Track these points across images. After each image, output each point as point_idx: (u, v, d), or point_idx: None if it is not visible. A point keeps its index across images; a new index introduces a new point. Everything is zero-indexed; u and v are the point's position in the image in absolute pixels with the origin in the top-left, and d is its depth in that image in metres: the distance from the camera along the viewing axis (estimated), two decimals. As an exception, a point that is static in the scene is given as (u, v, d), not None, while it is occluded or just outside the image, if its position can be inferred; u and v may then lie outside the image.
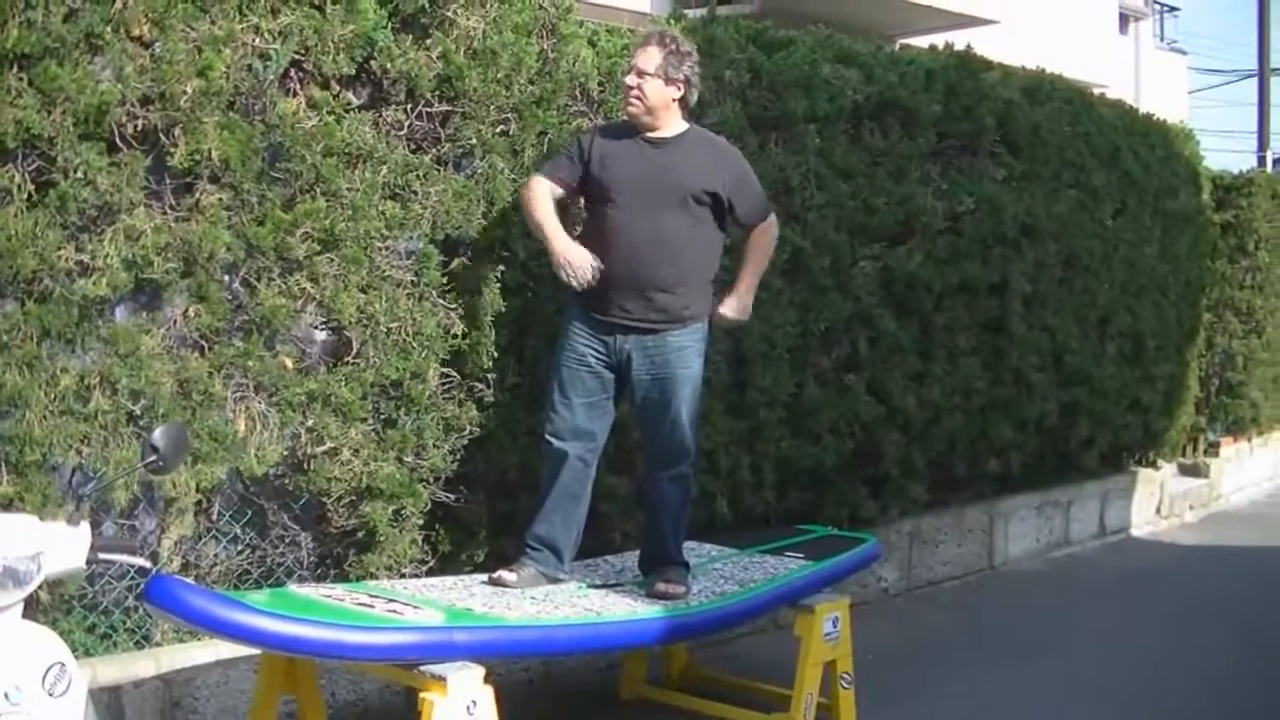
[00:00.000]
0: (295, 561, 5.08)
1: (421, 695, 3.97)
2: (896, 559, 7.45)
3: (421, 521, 5.18)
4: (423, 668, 4.01)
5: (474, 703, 3.99)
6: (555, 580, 4.92)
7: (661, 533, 5.03)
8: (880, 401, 7.00)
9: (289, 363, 4.74)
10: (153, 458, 3.18)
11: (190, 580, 3.98)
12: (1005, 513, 8.34)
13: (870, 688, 5.46)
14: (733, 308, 5.11)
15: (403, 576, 5.09)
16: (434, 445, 5.13)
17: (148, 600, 3.80)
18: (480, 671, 4.03)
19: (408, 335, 4.99)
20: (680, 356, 4.90)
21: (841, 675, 5.24)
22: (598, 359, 4.90)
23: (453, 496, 5.26)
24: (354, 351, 4.89)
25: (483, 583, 4.83)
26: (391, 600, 4.29)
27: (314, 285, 4.75)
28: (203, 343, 4.63)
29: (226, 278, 4.74)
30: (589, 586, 4.95)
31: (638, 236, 4.81)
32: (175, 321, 4.56)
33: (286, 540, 5.06)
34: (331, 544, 5.11)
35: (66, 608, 4.67)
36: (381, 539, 5.04)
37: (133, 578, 4.70)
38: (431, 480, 5.17)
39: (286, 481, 4.93)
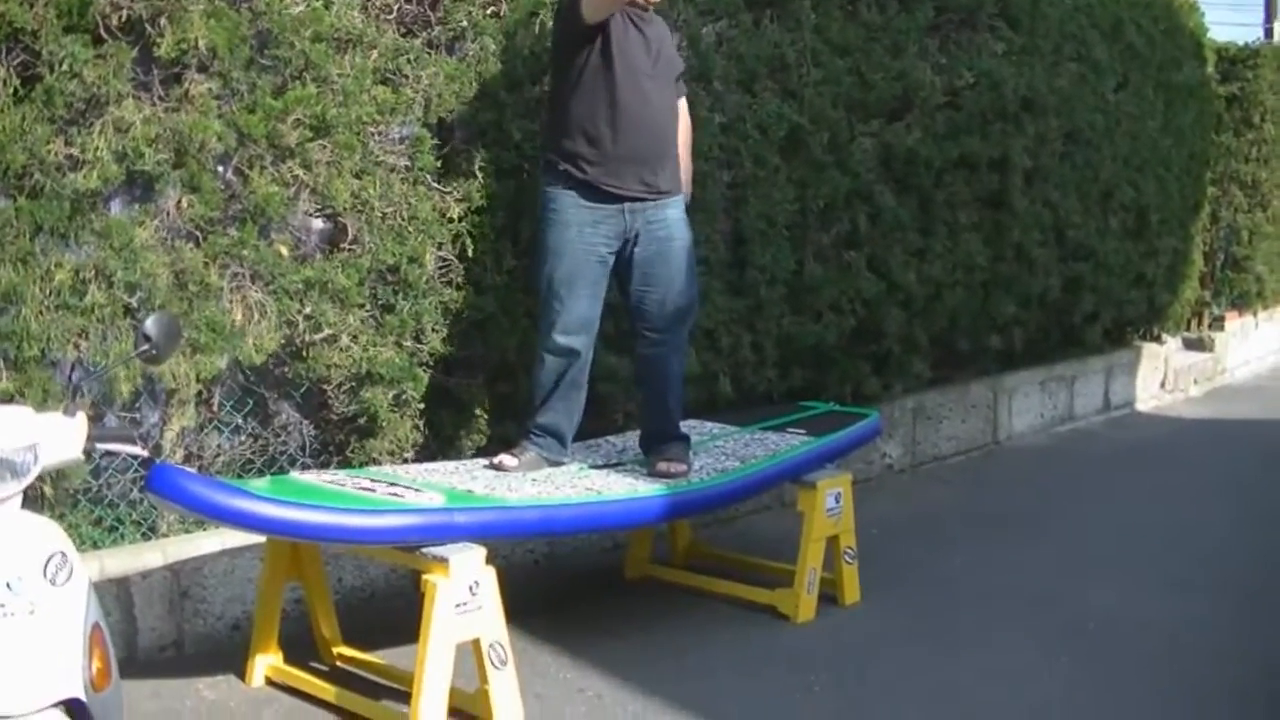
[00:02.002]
0: (298, 449, 5.11)
1: (424, 577, 4.02)
2: (900, 435, 7.49)
3: (422, 406, 5.19)
4: (424, 550, 4.05)
5: (476, 583, 4.04)
6: (557, 463, 4.94)
7: (664, 408, 5.06)
8: (881, 278, 6.98)
9: (285, 251, 4.73)
10: (145, 346, 3.17)
11: (192, 470, 3.99)
12: (1009, 388, 8.36)
13: (874, 562, 5.53)
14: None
15: (405, 461, 5.13)
16: (433, 329, 5.13)
17: (149, 490, 3.83)
18: (482, 552, 4.07)
19: (403, 220, 4.98)
20: (680, 226, 4.97)
21: (845, 550, 5.30)
22: (606, 243, 4.86)
23: (453, 380, 5.28)
24: (350, 238, 4.88)
25: (484, 466, 4.86)
26: (393, 484, 4.32)
27: (307, 172, 4.73)
28: (197, 233, 4.62)
29: (220, 168, 4.71)
30: (590, 467, 4.98)
31: (649, 109, 4.81)
32: (169, 213, 4.54)
33: (288, 428, 5.08)
34: (333, 431, 5.14)
35: (72, 501, 4.71)
36: (383, 424, 5.06)
37: (137, 470, 4.73)
38: (431, 365, 5.18)
39: (286, 370, 4.94)
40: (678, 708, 4.31)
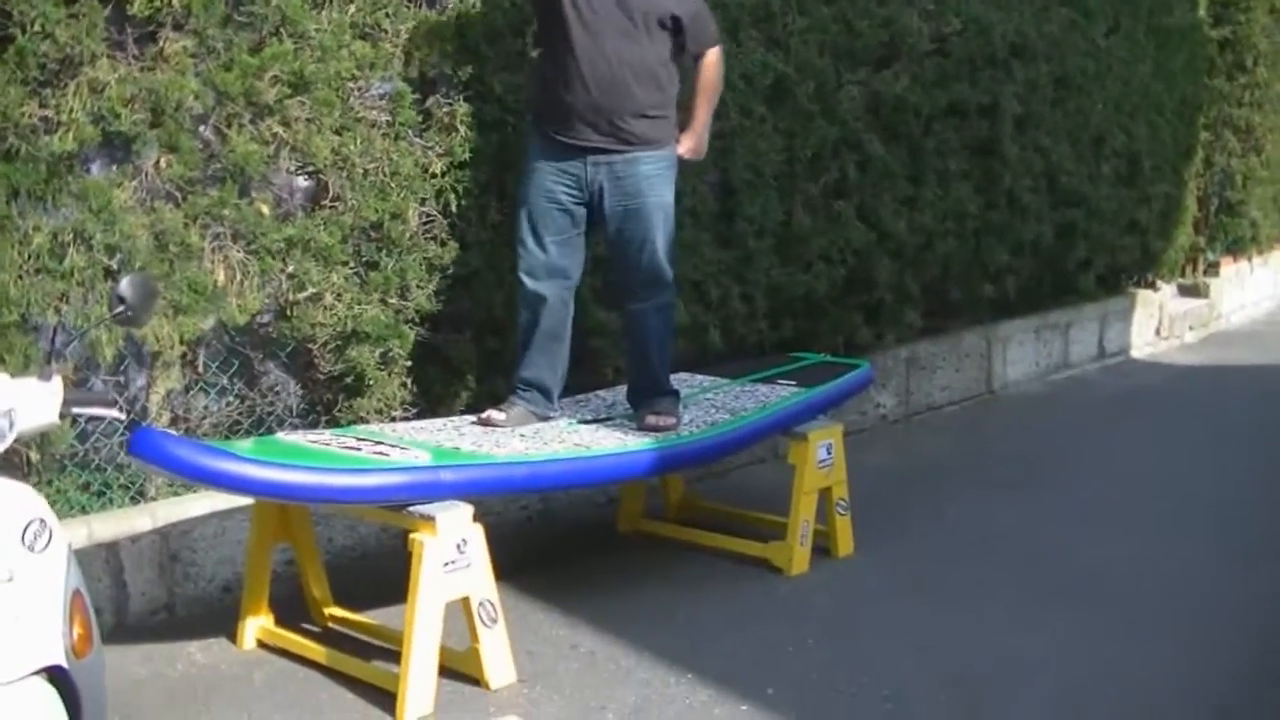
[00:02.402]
0: (285, 410, 5.09)
1: (411, 536, 3.99)
2: (894, 385, 7.45)
3: (410, 364, 5.16)
4: (411, 509, 4.02)
5: (464, 541, 4.01)
6: (545, 418, 4.92)
7: (649, 365, 5.01)
8: (871, 227, 6.92)
9: (265, 209, 4.68)
10: (121, 308, 3.13)
11: (175, 432, 3.96)
12: (1003, 337, 8.32)
13: (869, 514, 5.51)
14: (689, 147, 5.06)
15: (393, 420, 5.10)
16: (418, 286, 5.08)
17: (132, 454, 3.79)
18: (469, 509, 4.05)
19: (385, 176, 4.93)
20: (651, 183, 4.84)
21: (837, 501, 5.28)
22: (568, 193, 4.83)
23: (440, 337, 5.24)
24: (331, 195, 4.83)
25: (472, 423, 4.83)
26: (379, 443, 4.29)
27: (286, 130, 4.67)
28: (177, 194, 4.56)
29: (198, 127, 4.65)
30: (579, 422, 4.95)
31: (606, 61, 4.71)
32: (147, 174, 4.48)
33: (276, 389, 5.05)
34: (320, 390, 5.10)
35: (59, 467, 4.69)
36: (370, 383, 5.03)
37: (124, 434, 4.69)
38: (417, 321, 5.14)
39: (271, 330, 4.90)
40: (669, 662, 4.29)
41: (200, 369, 4.82)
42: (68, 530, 4.22)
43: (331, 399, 5.10)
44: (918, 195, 7.21)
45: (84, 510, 4.72)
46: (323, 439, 4.34)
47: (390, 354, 5.04)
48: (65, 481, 4.71)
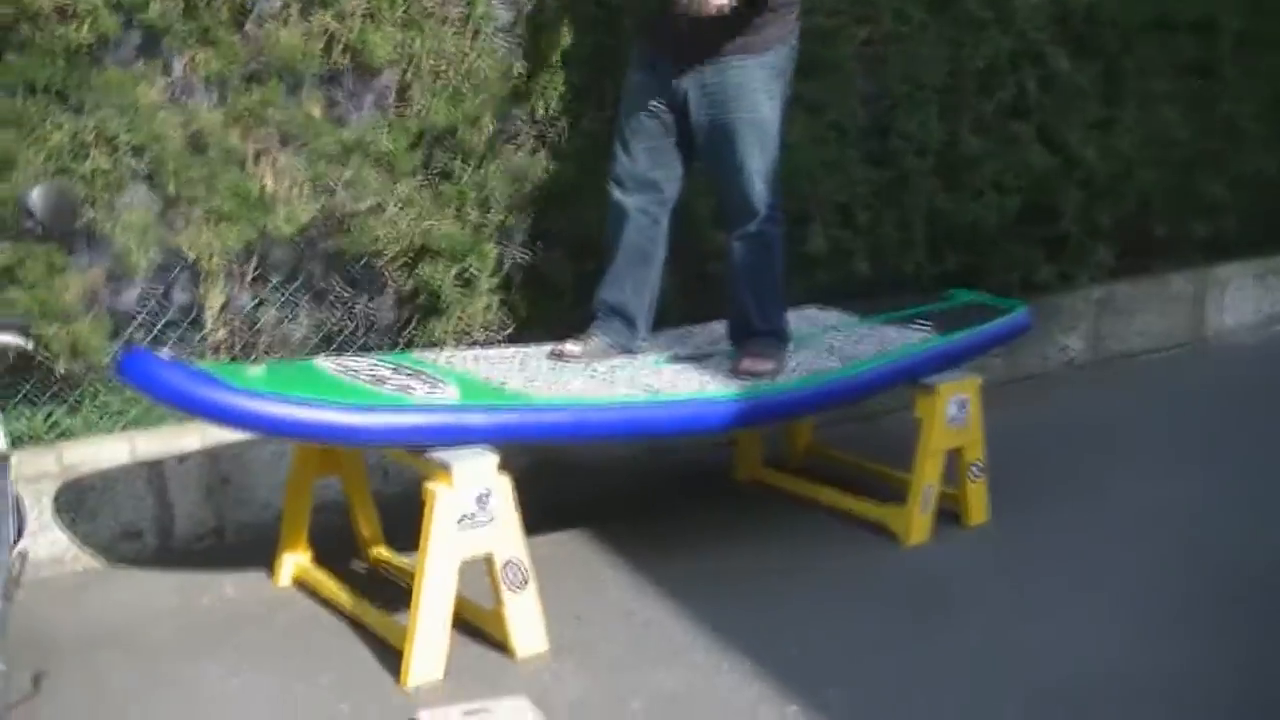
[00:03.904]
0: (358, 329, 4.66)
1: (425, 485, 3.53)
2: (1083, 329, 6.63)
3: (496, 283, 4.69)
4: (430, 454, 3.56)
5: (486, 493, 3.53)
6: (628, 351, 4.39)
7: (741, 301, 4.42)
8: (1054, 152, 6.11)
9: (316, 110, 4.22)
10: (29, 222, 2.74)
11: (170, 355, 3.56)
12: (1220, 281, 7.37)
13: (1017, 476, 4.83)
14: None
15: (471, 345, 4.63)
16: (501, 199, 4.58)
17: (120, 376, 3.45)
18: (493, 458, 3.56)
19: (459, 76, 4.41)
20: (742, 95, 4.18)
21: (970, 465, 4.60)
22: (657, 99, 4.26)
23: (530, 255, 4.74)
24: (393, 97, 4.34)
25: (547, 356, 4.33)
26: (416, 373, 3.82)
27: (339, 23, 4.18)
28: (214, 92, 4.13)
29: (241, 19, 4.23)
30: (668, 360, 4.39)
31: None
32: (180, 69, 4.07)
33: (347, 306, 4.63)
34: (395, 310, 4.67)
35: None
36: (447, 303, 4.56)
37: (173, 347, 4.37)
38: (501, 238, 4.64)
39: (330, 243, 4.47)
40: (730, 643, 3.72)
41: (247, 282, 4.41)
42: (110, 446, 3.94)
43: (406, 318, 4.65)
44: (1113, 118, 6.34)
45: (131, 425, 4.40)
46: (355, 366, 3.90)
47: (468, 272, 4.56)
48: (110, 396, 4.39)
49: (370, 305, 4.65)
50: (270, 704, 3.45)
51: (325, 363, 3.96)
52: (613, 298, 4.38)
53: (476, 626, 3.72)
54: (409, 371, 3.85)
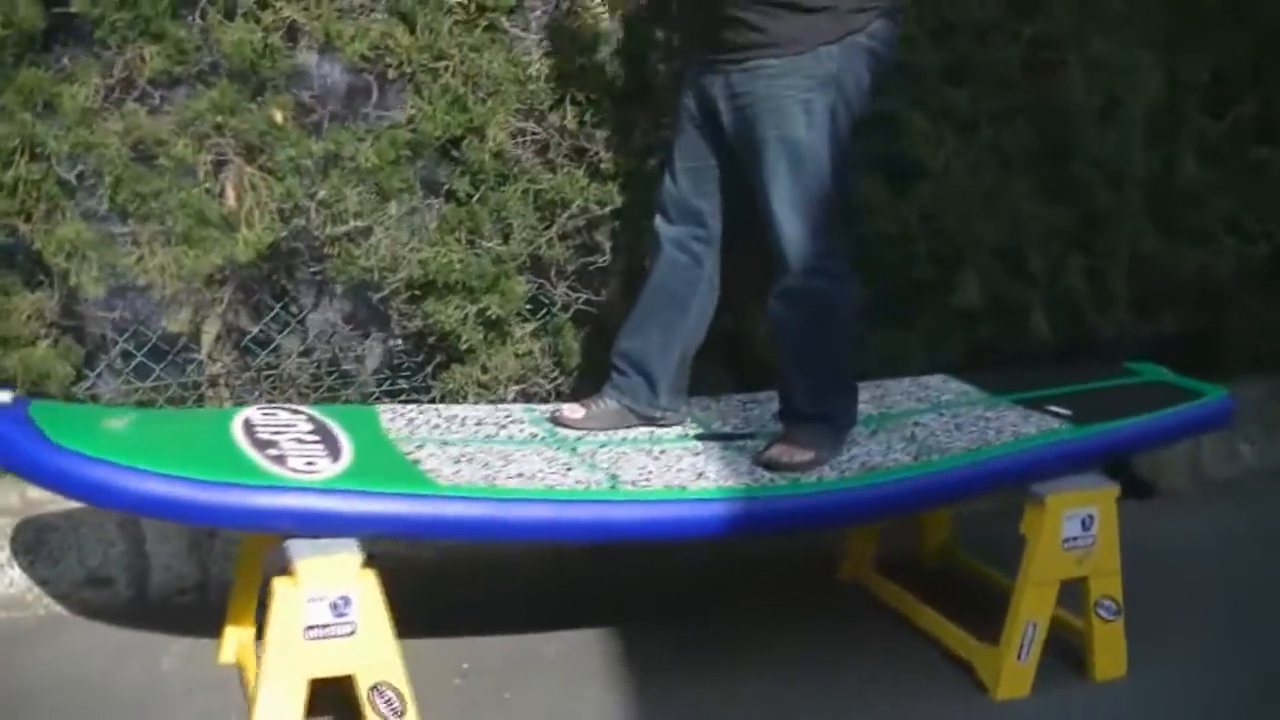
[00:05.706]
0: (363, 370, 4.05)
1: (272, 581, 2.86)
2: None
3: (532, 327, 3.98)
4: (288, 542, 2.89)
5: (344, 599, 2.82)
6: (648, 420, 3.57)
7: (786, 374, 3.52)
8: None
9: (279, 116, 3.60)
10: None
11: (9, 396, 3.05)
12: None
13: (1179, 613, 3.76)
14: None
15: (496, 401, 3.93)
16: (525, 224, 3.87)
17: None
18: (355, 556, 2.84)
19: (460, 76, 3.70)
20: (772, 108, 3.24)
21: (1099, 601, 3.48)
22: (694, 112, 3.43)
23: (567, 294, 4.01)
24: (373, 100, 3.68)
25: (547, 419, 3.58)
26: (322, 439, 3.14)
27: (303, 13, 3.54)
28: (158, 94, 3.59)
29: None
30: (699, 436, 3.54)
31: None
32: (116, 67, 3.54)
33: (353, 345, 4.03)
34: (403, 352, 4.04)
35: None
36: (465, 346, 3.89)
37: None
38: (536, 273, 3.93)
39: (312, 271, 3.86)
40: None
41: (223, 309, 3.85)
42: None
43: (420, 363, 4.00)
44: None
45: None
46: (283, 422, 3.25)
47: (489, 312, 3.86)
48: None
49: (390, 345, 4.02)
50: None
51: (246, 411, 3.33)
52: (633, 346, 3.56)
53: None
54: (312, 436, 3.17)
